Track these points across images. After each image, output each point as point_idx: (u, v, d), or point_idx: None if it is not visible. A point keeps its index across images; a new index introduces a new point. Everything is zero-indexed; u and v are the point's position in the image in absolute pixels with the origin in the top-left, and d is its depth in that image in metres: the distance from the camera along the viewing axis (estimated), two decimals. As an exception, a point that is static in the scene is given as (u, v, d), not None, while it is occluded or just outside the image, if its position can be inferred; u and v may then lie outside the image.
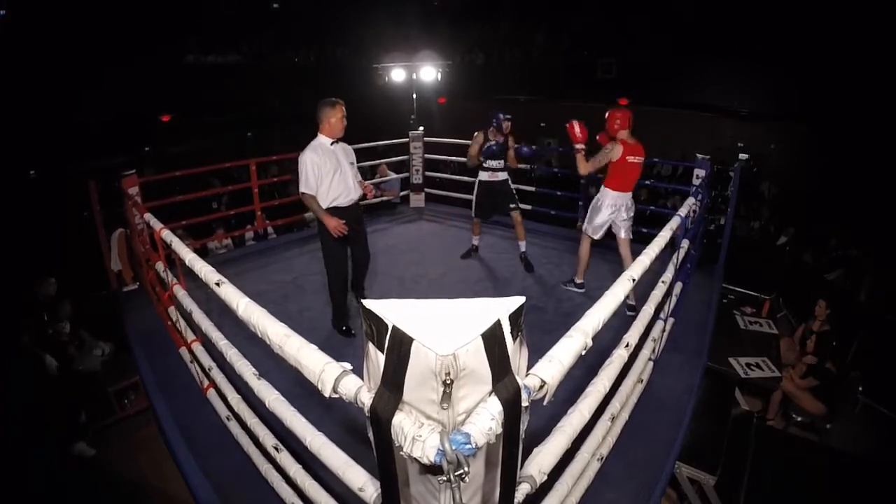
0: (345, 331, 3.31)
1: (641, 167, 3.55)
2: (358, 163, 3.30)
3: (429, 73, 7.25)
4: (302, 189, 3.02)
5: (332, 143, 3.09)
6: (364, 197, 3.31)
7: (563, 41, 10.74)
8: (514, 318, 0.85)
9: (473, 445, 0.79)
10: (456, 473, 0.77)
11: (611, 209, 3.61)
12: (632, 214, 3.67)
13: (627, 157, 3.45)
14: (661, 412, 2.50)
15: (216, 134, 10.04)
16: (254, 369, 1.73)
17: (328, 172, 3.04)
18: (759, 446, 3.18)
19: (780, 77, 7.97)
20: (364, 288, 3.63)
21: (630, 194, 3.64)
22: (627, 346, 1.77)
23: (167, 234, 2.30)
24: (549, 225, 5.39)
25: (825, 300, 4.09)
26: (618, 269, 1.46)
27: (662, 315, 2.65)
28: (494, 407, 0.83)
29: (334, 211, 3.07)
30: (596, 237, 3.70)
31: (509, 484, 0.97)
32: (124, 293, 4.05)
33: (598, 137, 3.76)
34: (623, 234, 3.66)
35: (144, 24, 8.34)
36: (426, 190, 6.10)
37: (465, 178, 5.54)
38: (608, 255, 4.58)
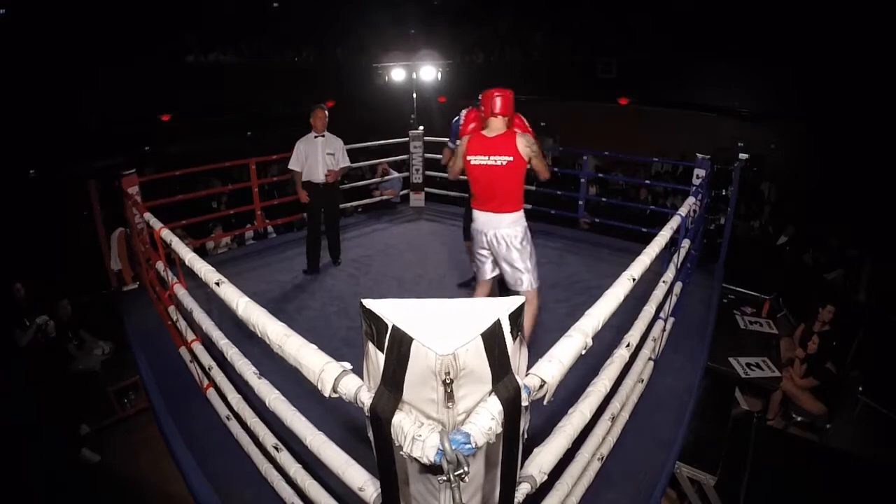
0: (313, 275, 4.29)
1: (511, 173, 2.41)
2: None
3: (429, 72, 7.25)
4: (289, 165, 4.07)
5: (315, 136, 4.04)
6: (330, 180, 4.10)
7: (563, 41, 10.73)
8: (514, 317, 0.85)
9: (473, 445, 0.79)
10: (456, 473, 0.77)
11: (478, 238, 2.61)
12: (519, 248, 2.51)
13: (469, 157, 2.49)
14: (661, 412, 2.50)
15: (216, 134, 10.03)
16: (254, 368, 1.73)
17: (306, 158, 4.03)
18: (759, 446, 3.19)
19: (780, 77, 7.97)
20: (339, 255, 4.47)
21: (501, 218, 2.48)
22: (628, 346, 1.77)
23: (167, 234, 2.31)
24: (549, 224, 5.39)
25: (835, 306, 4.07)
26: (618, 268, 1.41)
27: (662, 315, 2.65)
28: (494, 407, 0.83)
29: (307, 185, 4.08)
30: (480, 279, 2.73)
31: (509, 484, 0.97)
32: (124, 293, 4.04)
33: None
34: (487, 274, 2.64)
35: (144, 25, 8.33)
36: (426, 189, 6.10)
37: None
38: (608, 254, 4.59)
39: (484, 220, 2.56)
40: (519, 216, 2.55)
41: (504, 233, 2.52)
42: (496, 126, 2.46)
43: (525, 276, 2.56)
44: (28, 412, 3.59)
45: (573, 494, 1.66)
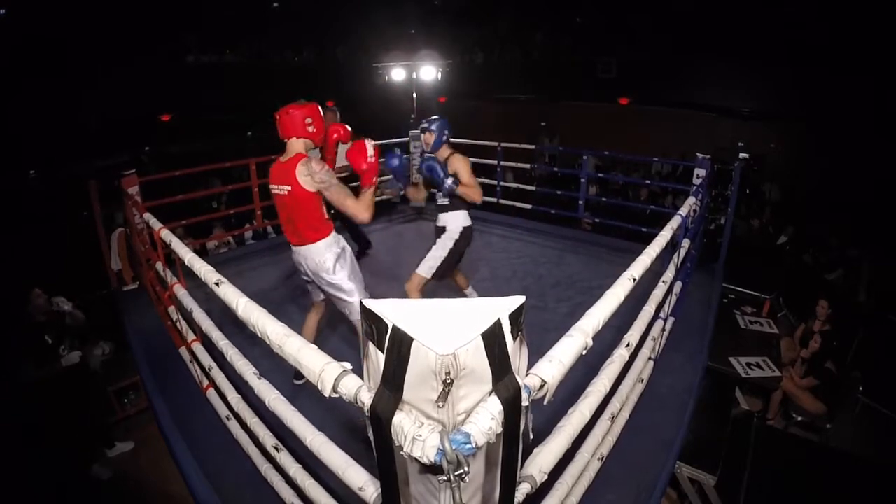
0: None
1: (294, 203, 2.25)
2: None
3: (429, 72, 7.26)
4: None
5: None
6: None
7: (563, 41, 10.73)
8: (515, 317, 0.85)
9: (473, 445, 0.79)
10: (456, 473, 0.77)
11: (297, 266, 2.52)
12: (332, 273, 2.36)
13: (271, 186, 2.35)
14: (661, 412, 2.50)
15: (216, 134, 10.04)
16: (254, 369, 1.73)
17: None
18: (759, 446, 3.19)
19: (780, 77, 7.96)
20: (368, 245, 4.62)
21: (306, 249, 2.36)
22: (628, 345, 1.77)
23: (167, 234, 2.30)
24: (550, 224, 5.39)
25: (826, 300, 4.09)
26: (619, 268, 1.41)
27: (662, 314, 2.65)
28: (494, 406, 0.83)
29: None
30: (313, 300, 2.69)
31: (509, 484, 0.97)
32: (124, 293, 4.04)
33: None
34: (316, 297, 2.60)
35: (144, 24, 8.34)
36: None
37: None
38: (608, 254, 4.59)
39: (294, 251, 2.43)
40: (325, 245, 2.35)
41: (312, 263, 2.37)
42: (290, 149, 2.27)
43: (351, 299, 2.37)
44: (30, 415, 3.57)
45: (573, 494, 1.66)
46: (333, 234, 2.39)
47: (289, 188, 2.23)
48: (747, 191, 8.44)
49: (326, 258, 2.35)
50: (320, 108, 2.30)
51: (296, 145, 2.26)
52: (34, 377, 3.68)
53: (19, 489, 3.21)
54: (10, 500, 3.18)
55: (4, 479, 3.19)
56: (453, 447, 0.77)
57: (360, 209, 2.24)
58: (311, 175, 2.18)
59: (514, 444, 0.91)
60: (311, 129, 2.25)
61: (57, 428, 3.56)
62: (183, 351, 2.75)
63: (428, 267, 2.95)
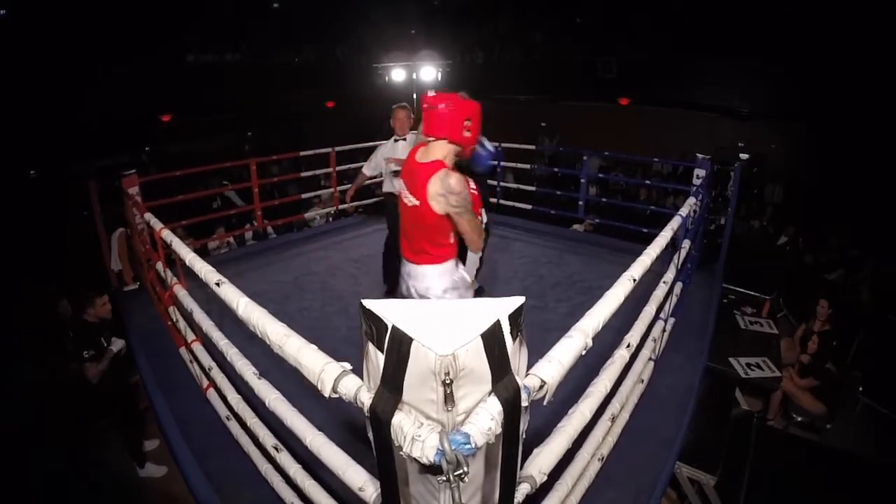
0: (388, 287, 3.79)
1: (419, 219, 1.85)
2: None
3: (429, 72, 7.27)
4: (363, 169, 3.90)
5: (396, 140, 3.72)
6: None
7: (563, 40, 10.73)
8: (514, 317, 0.85)
9: (473, 445, 0.79)
10: (455, 473, 0.77)
11: (401, 284, 2.13)
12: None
13: (401, 186, 1.97)
14: (661, 412, 2.50)
15: (216, 134, 10.03)
16: (254, 369, 1.73)
17: (383, 162, 3.68)
18: (759, 446, 3.19)
19: (780, 77, 7.96)
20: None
21: (415, 269, 1.99)
22: (629, 346, 1.77)
23: (167, 234, 2.30)
24: (549, 224, 5.39)
25: (826, 300, 4.09)
26: (619, 268, 1.40)
27: (663, 315, 2.64)
28: (494, 407, 0.83)
29: (388, 196, 3.52)
30: None
31: (509, 484, 0.97)
32: (125, 293, 4.04)
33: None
34: None
35: (144, 24, 8.33)
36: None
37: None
38: (608, 254, 4.59)
39: (403, 263, 2.04)
40: (438, 271, 1.94)
41: (418, 287, 1.98)
42: (431, 149, 1.82)
43: None
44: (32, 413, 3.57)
45: (573, 495, 1.66)
46: (453, 261, 2.00)
47: (416, 202, 1.82)
48: (755, 191, 8.43)
49: (437, 285, 1.96)
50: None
51: (437, 148, 1.80)
52: (96, 377, 3.35)
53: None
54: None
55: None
56: (453, 447, 0.77)
57: (477, 240, 1.90)
58: (446, 196, 1.74)
59: (513, 444, 0.91)
60: (466, 133, 1.78)
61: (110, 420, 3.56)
62: (183, 351, 2.75)
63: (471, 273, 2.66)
